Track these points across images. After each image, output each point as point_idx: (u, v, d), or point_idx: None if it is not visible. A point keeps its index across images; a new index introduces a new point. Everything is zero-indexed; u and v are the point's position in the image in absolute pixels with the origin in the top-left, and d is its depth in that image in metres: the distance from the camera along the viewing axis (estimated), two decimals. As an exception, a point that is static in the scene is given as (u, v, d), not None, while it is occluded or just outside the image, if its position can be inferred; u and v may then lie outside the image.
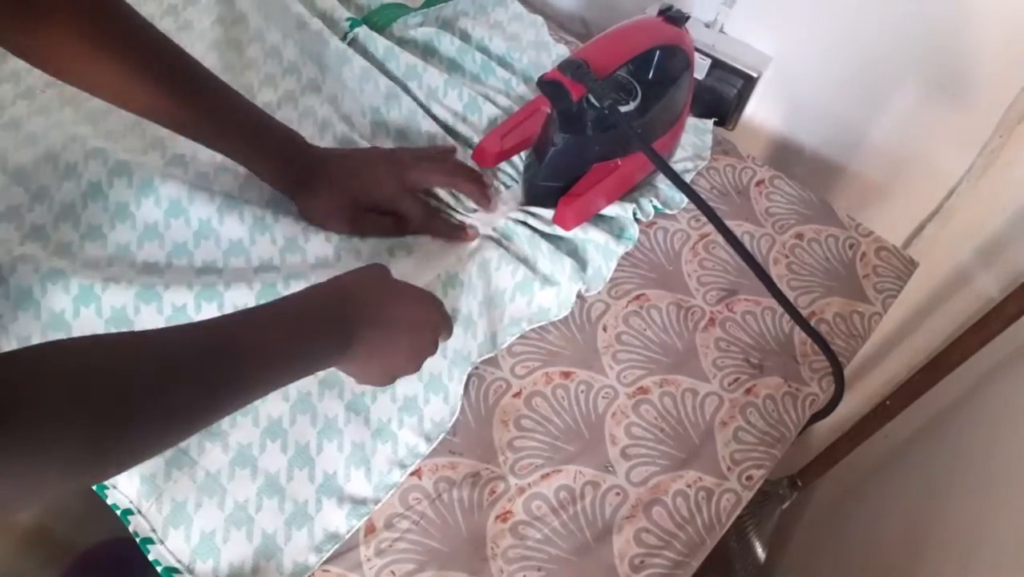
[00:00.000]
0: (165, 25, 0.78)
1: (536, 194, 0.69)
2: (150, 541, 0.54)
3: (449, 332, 0.59)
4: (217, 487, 0.54)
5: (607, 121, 0.61)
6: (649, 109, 0.68)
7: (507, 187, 0.72)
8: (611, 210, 0.71)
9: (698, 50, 0.86)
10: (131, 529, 0.54)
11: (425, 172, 0.67)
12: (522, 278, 0.66)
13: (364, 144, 0.72)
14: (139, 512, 0.54)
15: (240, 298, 0.59)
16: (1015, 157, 0.75)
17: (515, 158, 0.73)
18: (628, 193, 0.73)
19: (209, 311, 0.59)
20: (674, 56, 0.70)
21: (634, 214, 0.72)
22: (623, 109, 0.66)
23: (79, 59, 0.52)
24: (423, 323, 0.55)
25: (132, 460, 0.41)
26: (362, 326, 0.50)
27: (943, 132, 0.78)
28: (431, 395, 0.60)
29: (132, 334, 0.46)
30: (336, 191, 0.64)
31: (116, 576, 1.21)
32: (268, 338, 0.46)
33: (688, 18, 0.70)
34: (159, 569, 0.53)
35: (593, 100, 0.60)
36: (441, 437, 0.60)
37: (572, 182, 0.68)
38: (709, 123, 0.83)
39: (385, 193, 0.65)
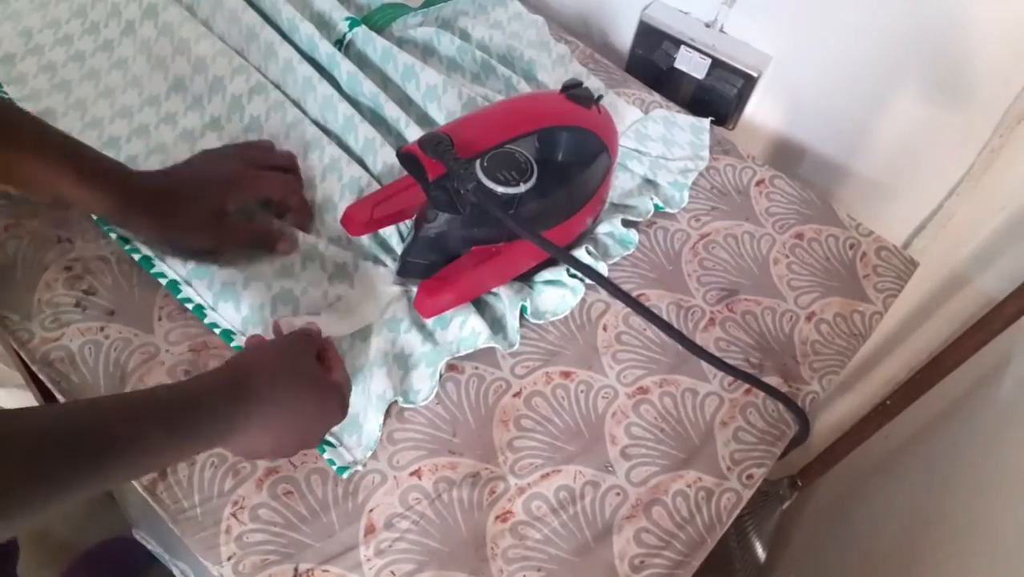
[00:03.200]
0: (146, 31, 0.78)
1: (408, 270, 0.64)
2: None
3: (342, 417, 0.55)
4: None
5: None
6: (549, 191, 0.62)
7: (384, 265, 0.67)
8: (603, 227, 0.71)
9: (698, 50, 0.86)
10: None
11: (264, 183, 0.64)
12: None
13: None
14: None
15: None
16: (1015, 157, 0.75)
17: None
18: (520, 279, 0.67)
19: None
20: (583, 138, 0.63)
21: (624, 222, 0.72)
22: (511, 191, 0.60)
23: None
24: (313, 415, 0.53)
25: None
26: (247, 419, 0.49)
27: (943, 132, 0.78)
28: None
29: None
30: (187, 203, 0.60)
31: (117, 576, 1.21)
32: (144, 431, 0.44)
33: (599, 98, 0.64)
34: None
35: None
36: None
37: (446, 262, 0.63)
38: (706, 122, 0.83)
39: (241, 188, 0.62)
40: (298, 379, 0.52)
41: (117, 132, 0.72)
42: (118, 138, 0.71)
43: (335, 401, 0.54)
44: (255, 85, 0.72)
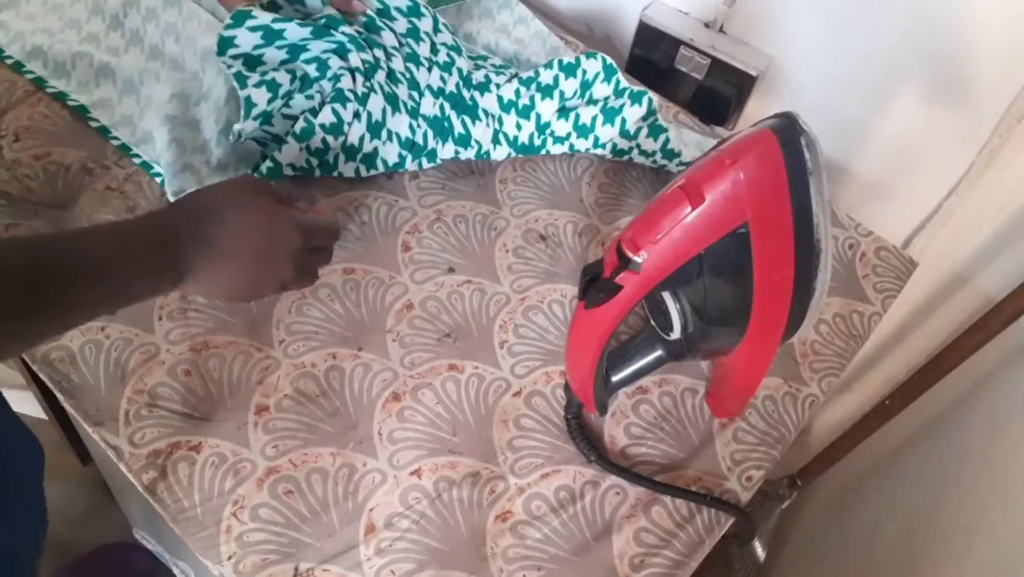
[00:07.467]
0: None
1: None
2: None
3: (295, 244, 0.54)
4: None
5: None
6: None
7: None
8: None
9: (698, 50, 0.86)
10: None
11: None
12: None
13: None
14: None
15: None
16: (1014, 157, 0.75)
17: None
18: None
19: None
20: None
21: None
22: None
23: None
24: (269, 249, 0.52)
25: None
26: (194, 259, 0.48)
27: (943, 132, 0.78)
28: None
29: None
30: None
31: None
32: (95, 258, 0.45)
33: None
34: None
35: None
36: None
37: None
38: (712, 143, 0.81)
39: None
40: (243, 209, 0.51)
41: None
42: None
43: (288, 234, 0.53)
44: None
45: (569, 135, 0.74)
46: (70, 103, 0.73)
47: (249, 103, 0.65)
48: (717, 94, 0.88)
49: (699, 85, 0.89)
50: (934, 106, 0.77)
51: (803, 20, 0.81)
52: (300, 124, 0.67)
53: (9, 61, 0.76)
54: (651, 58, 0.92)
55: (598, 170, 0.79)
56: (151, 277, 0.47)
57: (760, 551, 1.06)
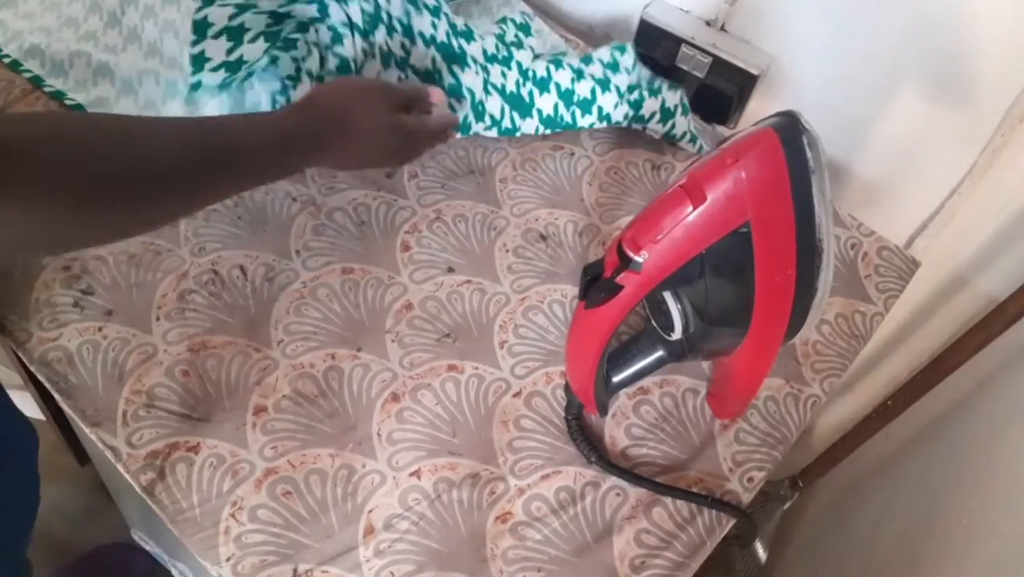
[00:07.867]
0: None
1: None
2: None
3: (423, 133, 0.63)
4: None
5: None
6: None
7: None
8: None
9: (699, 48, 0.86)
10: None
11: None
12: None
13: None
14: None
15: None
16: (1017, 156, 0.74)
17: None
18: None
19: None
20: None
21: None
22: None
23: None
24: (377, 154, 0.61)
25: (112, 236, 0.49)
26: (310, 158, 0.57)
27: (945, 131, 0.78)
28: None
29: (133, 119, 0.52)
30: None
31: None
32: (253, 142, 0.52)
33: None
34: None
35: None
36: None
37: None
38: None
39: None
40: (359, 117, 0.58)
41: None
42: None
43: (394, 140, 0.60)
44: None
45: (548, 80, 0.75)
46: (67, 102, 0.73)
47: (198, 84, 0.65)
48: (718, 93, 0.88)
49: (700, 84, 0.88)
50: (936, 105, 0.77)
51: (805, 19, 0.81)
52: (324, 61, 0.67)
53: (6, 60, 0.76)
54: (652, 56, 0.91)
55: (599, 169, 0.78)
56: (277, 169, 0.55)
57: (761, 552, 1.05)
